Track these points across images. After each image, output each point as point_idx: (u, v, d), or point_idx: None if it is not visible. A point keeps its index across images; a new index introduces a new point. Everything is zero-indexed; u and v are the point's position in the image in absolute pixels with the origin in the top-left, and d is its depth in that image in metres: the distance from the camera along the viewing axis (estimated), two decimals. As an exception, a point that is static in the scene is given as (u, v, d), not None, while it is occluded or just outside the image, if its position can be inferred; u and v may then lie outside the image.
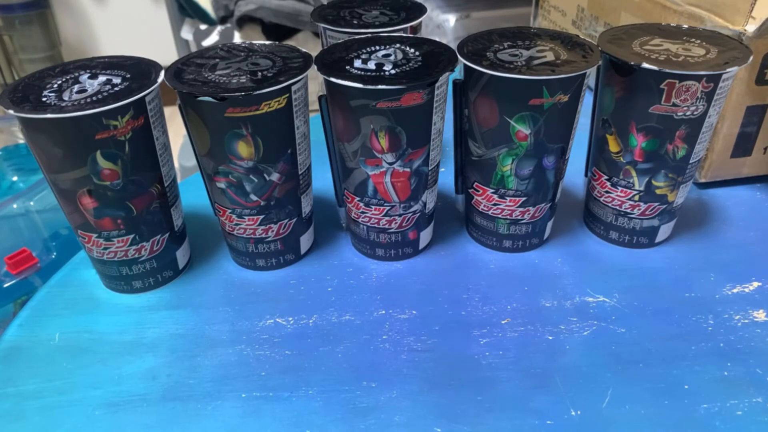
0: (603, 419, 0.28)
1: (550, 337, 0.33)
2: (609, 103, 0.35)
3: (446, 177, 0.46)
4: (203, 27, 1.57)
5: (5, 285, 0.64)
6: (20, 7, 1.51)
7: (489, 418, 0.28)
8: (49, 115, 0.29)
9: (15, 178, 0.84)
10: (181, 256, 0.38)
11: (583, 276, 0.37)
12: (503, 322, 0.34)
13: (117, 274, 0.36)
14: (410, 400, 0.29)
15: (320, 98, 0.34)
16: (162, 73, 0.33)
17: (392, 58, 0.34)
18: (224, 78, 0.32)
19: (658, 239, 0.39)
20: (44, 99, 0.30)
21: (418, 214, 0.37)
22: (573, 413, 0.28)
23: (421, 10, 0.42)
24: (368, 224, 0.37)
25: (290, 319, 0.34)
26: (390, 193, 0.35)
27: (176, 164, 1.31)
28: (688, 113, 0.33)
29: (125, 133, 0.31)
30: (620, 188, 0.37)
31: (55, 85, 0.32)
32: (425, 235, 0.39)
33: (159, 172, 0.34)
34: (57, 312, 0.36)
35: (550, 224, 0.39)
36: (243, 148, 0.32)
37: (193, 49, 1.54)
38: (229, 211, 0.35)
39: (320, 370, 0.31)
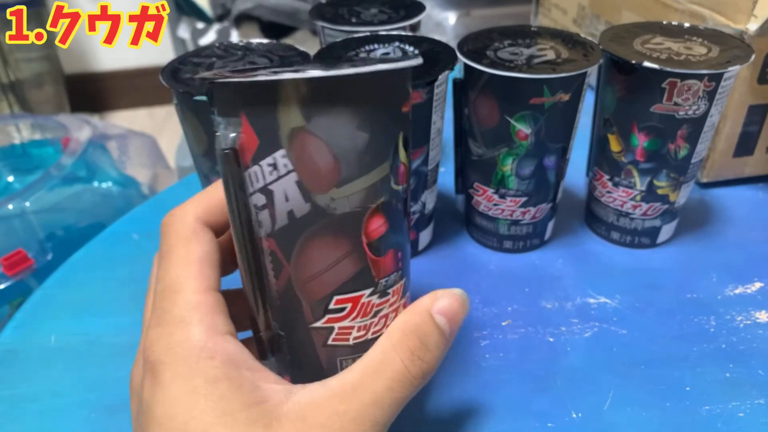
0: (604, 421, 0.28)
1: (551, 339, 0.32)
2: (610, 102, 0.35)
3: (446, 177, 0.46)
4: (200, 25, 1.56)
5: (0, 286, 0.63)
6: (15, 5, 1.50)
7: (489, 421, 0.28)
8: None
9: (11, 179, 0.84)
10: (424, 237, 0.38)
11: (585, 277, 0.37)
12: (504, 323, 0.33)
13: None
14: (409, 403, 0.29)
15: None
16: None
17: (391, 56, 0.33)
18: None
19: (659, 240, 0.39)
20: None
21: (417, 215, 0.36)
22: (574, 415, 0.28)
23: (420, 8, 0.42)
24: (367, 225, 0.36)
25: (288, 320, 0.34)
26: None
27: (173, 164, 1.30)
28: (690, 112, 0.33)
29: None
30: (622, 188, 0.37)
31: None
32: (425, 236, 0.38)
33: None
34: (53, 314, 0.36)
35: (551, 225, 0.39)
36: (240, 148, 0.32)
37: (190, 47, 1.54)
38: (227, 211, 0.35)
39: (319, 372, 0.31)
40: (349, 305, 0.21)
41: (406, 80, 0.20)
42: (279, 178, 0.19)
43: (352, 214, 0.20)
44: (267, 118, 0.19)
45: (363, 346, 0.22)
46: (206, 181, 0.35)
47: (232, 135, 0.19)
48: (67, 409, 0.29)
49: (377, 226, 0.21)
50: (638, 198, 0.37)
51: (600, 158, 0.37)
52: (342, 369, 0.22)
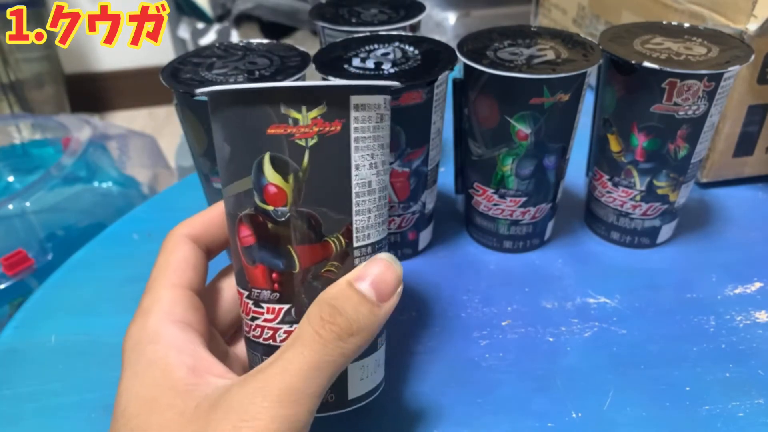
0: (604, 421, 0.28)
1: (551, 339, 0.32)
2: (610, 102, 0.35)
3: (446, 177, 0.46)
4: (200, 26, 1.56)
5: (1, 286, 0.63)
6: (15, 5, 1.50)
7: (489, 421, 0.28)
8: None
9: (11, 179, 0.84)
10: (424, 237, 0.38)
11: (584, 277, 0.37)
12: (504, 323, 0.33)
13: None
14: (410, 403, 0.29)
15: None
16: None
17: (391, 56, 0.33)
18: (221, 77, 0.32)
19: (659, 240, 0.39)
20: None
21: (417, 215, 0.37)
22: (574, 415, 0.28)
23: (421, 8, 0.42)
24: (367, 225, 0.36)
25: (288, 320, 0.34)
26: (389, 193, 0.35)
27: (173, 164, 1.30)
28: (690, 112, 0.33)
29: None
30: (621, 188, 0.37)
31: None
32: (425, 236, 0.38)
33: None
34: (53, 314, 0.36)
35: (550, 225, 0.39)
36: (240, 148, 0.32)
37: (191, 48, 1.54)
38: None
39: (319, 372, 0.31)
40: (239, 297, 0.24)
41: (267, 103, 0.20)
42: None
43: (231, 215, 0.23)
44: None
45: (248, 339, 0.24)
46: (206, 181, 0.35)
47: None
48: (67, 409, 0.29)
49: (244, 235, 0.22)
50: (638, 198, 0.37)
51: (600, 158, 0.37)
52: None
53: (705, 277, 0.36)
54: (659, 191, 0.36)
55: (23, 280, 0.64)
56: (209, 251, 0.25)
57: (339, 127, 0.21)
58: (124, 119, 1.75)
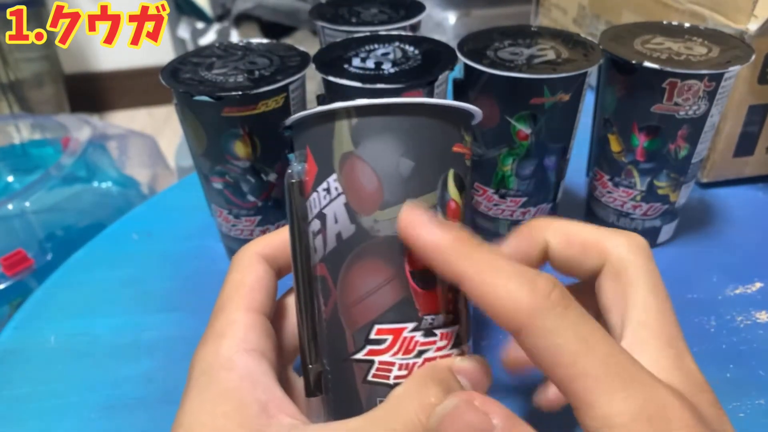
0: (605, 422, 0.28)
1: (551, 339, 0.32)
2: (610, 102, 0.35)
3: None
4: (200, 25, 1.56)
5: (0, 286, 0.63)
6: (15, 5, 1.50)
7: (490, 422, 0.28)
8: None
9: (10, 179, 0.84)
10: None
11: (584, 277, 0.37)
12: (504, 323, 0.33)
13: None
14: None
15: (319, 97, 0.34)
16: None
17: (391, 56, 0.33)
18: (221, 77, 0.32)
19: (660, 240, 0.39)
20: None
21: (417, 215, 0.36)
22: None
23: (420, 8, 0.42)
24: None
25: (288, 320, 0.34)
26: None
27: (173, 164, 1.30)
28: (690, 112, 0.33)
29: None
30: (622, 188, 0.37)
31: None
32: (425, 236, 0.38)
33: None
34: (52, 314, 0.36)
35: (550, 224, 0.39)
36: (240, 148, 0.32)
37: (190, 47, 1.54)
38: (226, 211, 0.35)
39: (319, 372, 0.31)
40: (390, 337, 0.20)
41: (455, 121, 0.21)
42: (331, 201, 0.21)
43: (395, 238, 0.20)
44: (324, 146, 0.21)
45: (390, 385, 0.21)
46: (206, 181, 0.35)
47: (299, 168, 0.22)
48: (67, 409, 0.29)
49: None
50: (638, 198, 0.36)
51: (600, 158, 0.37)
52: None
53: (705, 278, 0.36)
54: (660, 191, 0.36)
55: (23, 280, 0.64)
56: (279, 272, 0.24)
57: (470, 153, 0.23)
58: (123, 119, 1.75)
